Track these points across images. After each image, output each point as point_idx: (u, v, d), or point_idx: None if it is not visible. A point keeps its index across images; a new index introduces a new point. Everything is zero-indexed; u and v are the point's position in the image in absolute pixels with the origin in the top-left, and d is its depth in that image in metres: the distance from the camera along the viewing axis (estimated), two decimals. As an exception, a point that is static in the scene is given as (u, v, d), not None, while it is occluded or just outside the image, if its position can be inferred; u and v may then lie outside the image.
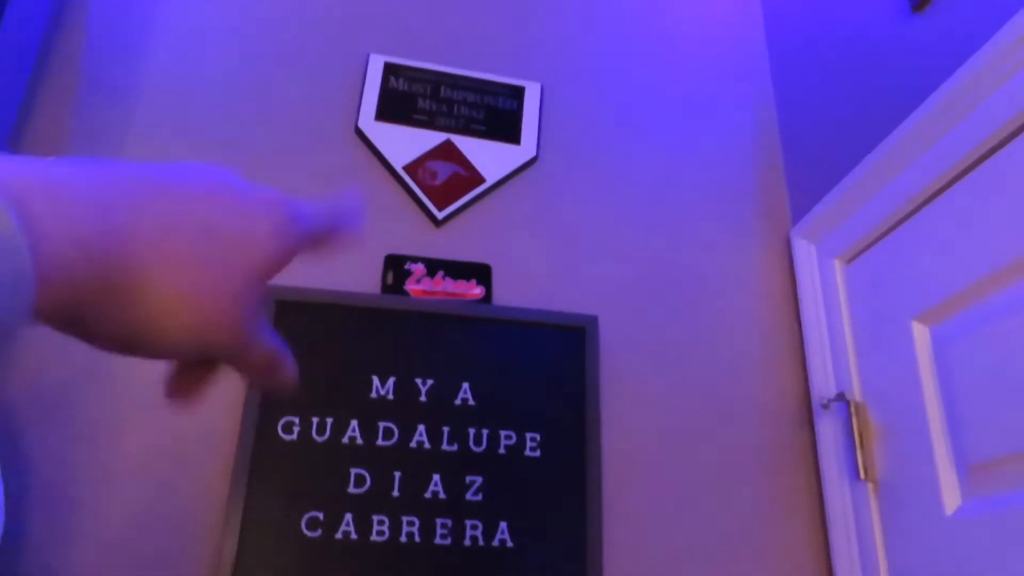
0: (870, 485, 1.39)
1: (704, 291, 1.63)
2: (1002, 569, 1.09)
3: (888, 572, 1.33)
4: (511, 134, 1.65)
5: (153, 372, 1.35)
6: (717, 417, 1.52)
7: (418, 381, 1.41)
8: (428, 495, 1.33)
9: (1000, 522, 1.11)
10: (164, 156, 1.51)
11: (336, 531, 1.29)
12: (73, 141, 1.49)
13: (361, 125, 1.59)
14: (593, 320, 1.50)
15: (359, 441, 1.35)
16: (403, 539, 1.30)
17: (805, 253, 1.64)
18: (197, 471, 1.31)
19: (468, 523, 1.33)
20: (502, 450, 1.39)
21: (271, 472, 1.30)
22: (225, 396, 1.36)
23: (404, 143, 1.60)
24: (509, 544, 1.33)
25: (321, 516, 1.29)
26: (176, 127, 1.54)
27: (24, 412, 1.29)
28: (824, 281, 1.58)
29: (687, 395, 1.53)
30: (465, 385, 1.42)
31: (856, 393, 1.46)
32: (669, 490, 1.45)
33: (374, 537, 1.29)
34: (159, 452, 1.31)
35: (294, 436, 1.33)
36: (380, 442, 1.35)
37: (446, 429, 1.38)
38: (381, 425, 1.36)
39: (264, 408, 1.33)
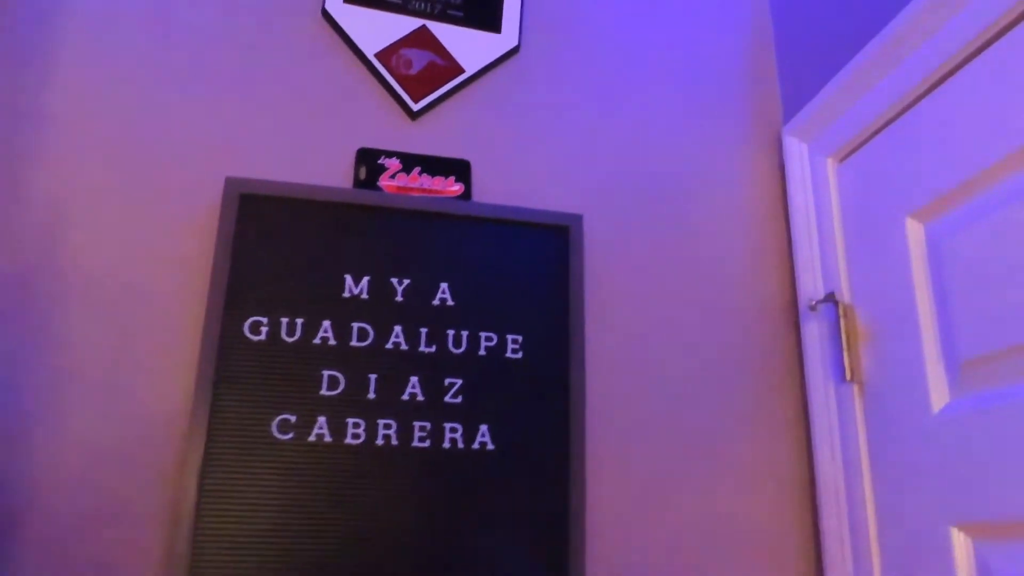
0: (856, 387, 1.37)
1: (692, 190, 1.56)
2: (987, 465, 1.08)
3: (871, 472, 1.32)
4: (491, 21, 1.54)
5: (102, 265, 1.27)
6: (702, 319, 1.48)
7: (394, 281, 1.34)
8: (405, 397, 1.28)
9: (987, 418, 1.09)
10: (115, 52, 1.38)
11: (309, 434, 1.23)
12: None
13: (328, 7, 1.47)
14: (578, 219, 1.43)
15: (332, 342, 1.28)
16: (379, 442, 1.25)
17: (797, 152, 1.57)
18: (157, 374, 1.24)
19: (447, 426, 1.29)
20: (482, 352, 1.33)
21: (238, 374, 1.23)
22: (185, 293, 1.28)
23: (376, 28, 1.48)
24: (490, 447, 1.29)
25: (293, 419, 1.23)
26: (127, 17, 1.40)
27: (-31, 310, 1.20)
28: (816, 180, 1.53)
29: (672, 296, 1.48)
30: (443, 285, 1.35)
31: (845, 294, 1.43)
32: (652, 392, 1.42)
33: (349, 440, 1.24)
34: (113, 351, 1.23)
35: (262, 336, 1.26)
36: (354, 343, 1.29)
37: (423, 330, 1.32)
38: (355, 326, 1.30)
39: (229, 307, 1.26)
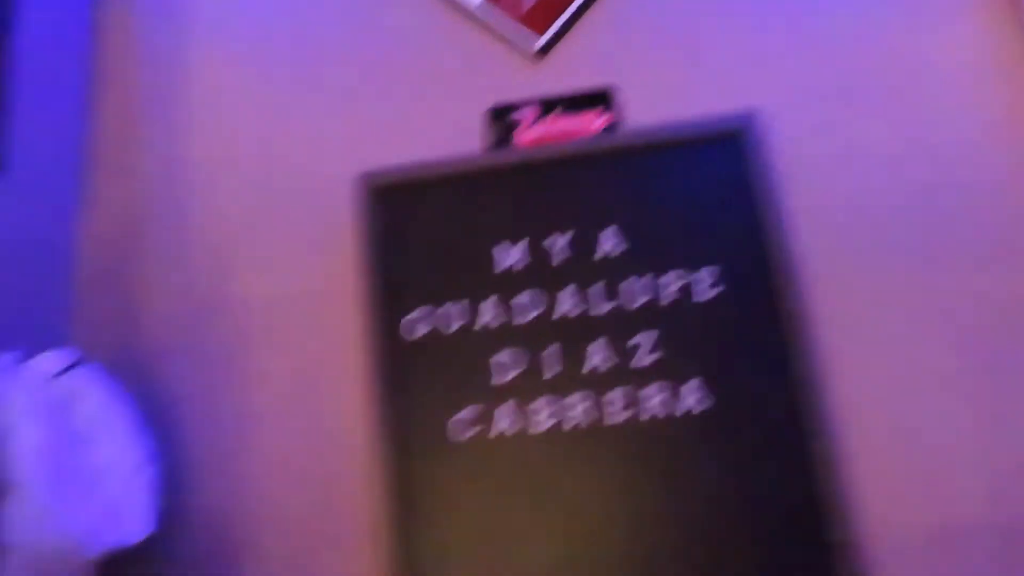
0: None
1: (896, 68, 1.21)
2: None
3: None
4: (603, -78, 1.32)
5: (265, 289, 1.24)
6: (930, 206, 1.13)
7: (549, 242, 1.17)
8: (587, 370, 1.10)
9: None
10: (236, 78, 1.37)
11: (491, 429, 1.10)
12: (141, 70, 1.39)
13: (424, -32, 1.34)
14: (750, 119, 1.16)
15: (493, 324, 1.14)
16: (569, 425, 1.09)
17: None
18: (335, 388, 1.18)
19: (643, 393, 1.09)
20: (668, 299, 1.12)
21: (405, 378, 1.13)
22: (343, 301, 1.21)
23: (476, -28, 1.32)
24: (701, 409, 1.07)
25: (471, 415, 1.11)
26: (238, 22, 1.39)
27: (155, 345, 1.23)
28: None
29: (894, 187, 1.15)
30: (608, 232, 1.16)
31: None
32: (892, 309, 1.10)
33: (535, 429, 1.09)
34: (291, 372, 1.20)
35: (421, 334, 1.15)
36: (518, 320, 1.14)
37: (594, 288, 1.14)
38: (515, 301, 1.15)
39: (384, 309, 1.16)
